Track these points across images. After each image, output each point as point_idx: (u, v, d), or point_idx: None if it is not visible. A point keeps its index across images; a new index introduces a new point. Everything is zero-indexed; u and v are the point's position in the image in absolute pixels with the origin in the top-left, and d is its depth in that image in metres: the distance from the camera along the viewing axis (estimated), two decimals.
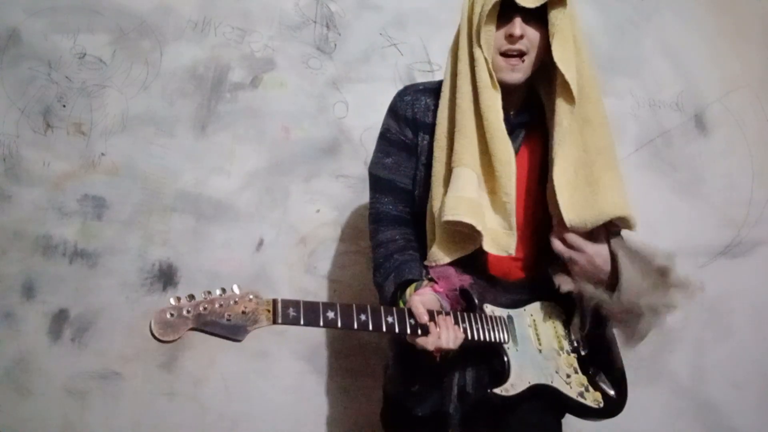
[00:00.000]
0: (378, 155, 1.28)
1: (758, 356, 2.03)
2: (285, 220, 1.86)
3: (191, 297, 0.91)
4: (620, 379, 1.27)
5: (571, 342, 1.24)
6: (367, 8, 1.91)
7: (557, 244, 1.15)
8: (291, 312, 0.97)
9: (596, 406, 1.20)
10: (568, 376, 1.20)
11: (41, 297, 1.78)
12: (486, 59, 1.10)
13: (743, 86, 2.05)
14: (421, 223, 1.22)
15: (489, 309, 1.15)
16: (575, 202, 1.13)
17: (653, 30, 2.01)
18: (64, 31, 1.78)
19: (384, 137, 1.28)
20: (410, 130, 1.24)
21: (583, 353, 1.25)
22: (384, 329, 1.02)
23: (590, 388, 1.21)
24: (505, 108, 1.15)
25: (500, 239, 1.13)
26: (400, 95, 1.28)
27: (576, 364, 1.23)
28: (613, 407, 1.23)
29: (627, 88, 2.00)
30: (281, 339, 1.84)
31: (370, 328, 1.01)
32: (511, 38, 1.09)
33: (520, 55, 1.11)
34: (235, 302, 0.94)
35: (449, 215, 1.08)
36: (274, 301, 0.97)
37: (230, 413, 1.85)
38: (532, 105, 1.22)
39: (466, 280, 1.13)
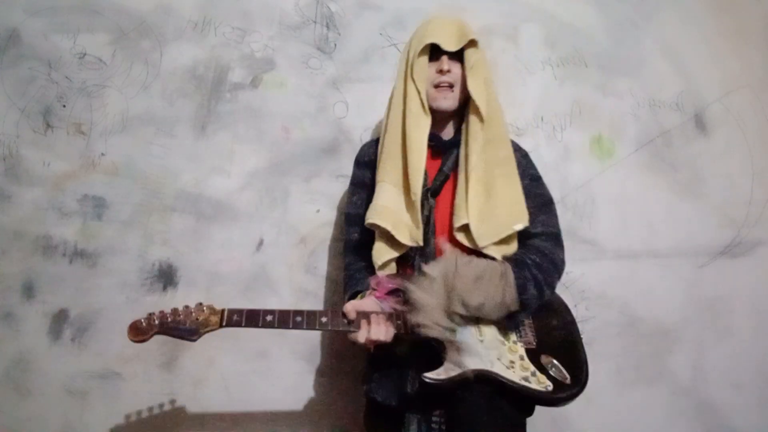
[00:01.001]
0: (348, 198, 1.53)
1: (758, 356, 2.03)
2: (285, 220, 1.86)
3: (162, 312, 1.23)
4: (577, 368, 1.32)
5: (518, 333, 1.35)
6: (367, 8, 1.91)
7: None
8: (235, 317, 1.23)
9: (542, 389, 1.26)
10: (512, 362, 1.29)
11: (41, 297, 1.78)
12: (418, 90, 1.36)
13: (743, 86, 2.05)
14: None
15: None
16: (478, 214, 1.34)
17: (653, 30, 2.01)
18: (64, 31, 1.79)
19: (351, 184, 1.54)
20: (369, 171, 1.48)
21: (532, 343, 1.34)
22: (318, 327, 1.26)
23: (537, 374, 1.28)
24: (441, 132, 1.43)
25: (412, 233, 1.34)
26: (362, 147, 1.56)
27: (522, 353, 1.31)
28: (566, 392, 1.27)
29: (627, 88, 2.00)
30: (281, 339, 1.84)
31: (305, 327, 1.24)
32: (441, 72, 1.36)
33: (450, 86, 1.37)
34: (192, 312, 1.23)
35: (368, 220, 1.34)
36: (223, 310, 1.24)
37: (230, 413, 1.85)
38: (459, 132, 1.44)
39: (396, 282, 1.29)
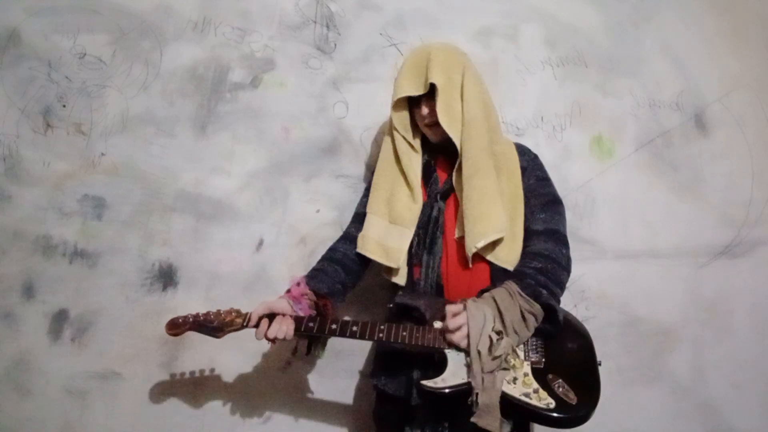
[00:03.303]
0: (362, 200, 1.64)
1: (758, 356, 2.03)
2: (285, 220, 1.86)
3: (197, 313, 1.42)
4: (587, 390, 1.31)
5: (525, 351, 1.34)
6: (367, 8, 1.91)
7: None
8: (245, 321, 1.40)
9: (543, 406, 1.24)
10: (515, 379, 1.28)
11: (41, 297, 1.78)
12: (403, 136, 1.51)
13: (743, 86, 2.05)
14: None
15: (438, 324, 1.34)
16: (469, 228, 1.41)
17: (653, 30, 2.01)
18: (64, 31, 1.79)
19: (367, 188, 1.64)
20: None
21: (540, 363, 1.33)
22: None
23: (540, 391, 1.27)
24: (444, 155, 1.52)
25: (391, 255, 1.47)
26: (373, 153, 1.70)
27: (528, 370, 1.31)
28: (571, 412, 1.25)
29: (627, 88, 1.99)
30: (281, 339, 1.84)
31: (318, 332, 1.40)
32: (423, 117, 1.48)
33: (434, 123, 1.46)
34: (222, 314, 1.41)
35: (358, 249, 1.51)
36: (248, 313, 1.41)
37: (230, 413, 1.85)
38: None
39: (305, 291, 1.43)
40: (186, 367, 1.83)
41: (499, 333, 1.25)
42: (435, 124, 1.46)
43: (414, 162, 1.52)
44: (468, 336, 1.26)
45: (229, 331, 1.39)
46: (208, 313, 1.40)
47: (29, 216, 1.77)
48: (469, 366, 1.27)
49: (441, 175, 1.53)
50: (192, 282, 1.83)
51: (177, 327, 1.38)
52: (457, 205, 1.46)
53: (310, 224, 1.87)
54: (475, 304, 1.29)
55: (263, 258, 1.85)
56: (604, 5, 2.00)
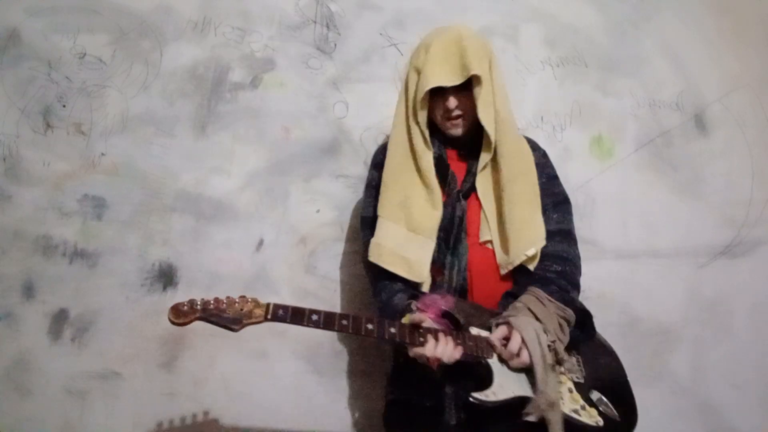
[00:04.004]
0: (367, 201, 1.50)
1: (758, 356, 2.03)
2: (285, 220, 1.86)
3: (203, 299, 1.17)
4: (627, 408, 1.30)
5: (566, 366, 1.30)
6: (367, 8, 1.91)
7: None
8: (280, 312, 1.16)
9: (593, 424, 1.22)
10: (560, 393, 1.23)
11: (41, 297, 1.78)
12: (421, 130, 1.36)
13: (743, 86, 2.05)
14: None
15: (474, 330, 1.25)
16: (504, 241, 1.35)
17: (653, 30, 2.01)
18: (64, 31, 1.78)
19: (369, 186, 1.51)
20: (378, 173, 1.46)
21: (580, 378, 1.30)
22: (363, 334, 1.18)
23: (587, 408, 1.24)
24: (460, 139, 1.41)
25: (413, 268, 1.34)
26: (377, 151, 1.54)
27: (571, 385, 1.27)
28: (617, 430, 1.24)
29: (627, 88, 2.00)
30: (281, 339, 1.84)
31: (350, 331, 1.17)
32: (448, 110, 1.35)
33: (459, 116, 1.36)
34: (237, 303, 1.17)
35: (371, 258, 1.37)
36: (269, 304, 1.17)
37: (230, 413, 1.85)
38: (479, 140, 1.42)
39: (449, 301, 1.25)
40: (186, 367, 1.83)
41: (552, 342, 1.21)
42: (458, 118, 1.36)
43: (428, 160, 1.38)
44: (530, 354, 1.19)
45: (249, 324, 1.17)
46: (217, 300, 1.18)
47: (29, 216, 1.77)
48: (517, 378, 1.21)
49: (457, 171, 1.41)
50: (192, 282, 1.82)
51: (184, 316, 1.16)
52: (479, 205, 1.39)
53: (310, 224, 1.87)
54: (519, 320, 1.22)
55: (263, 258, 1.85)
56: (604, 5, 2.00)
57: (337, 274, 1.89)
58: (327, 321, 1.16)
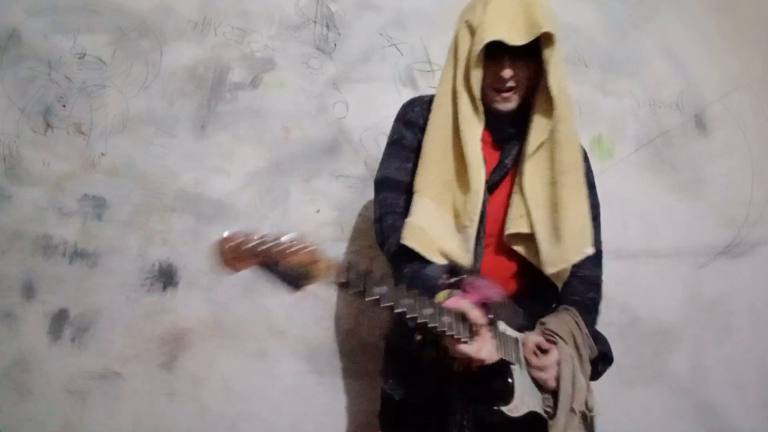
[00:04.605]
0: (391, 160, 1.27)
1: (758, 356, 2.03)
2: (285, 220, 1.86)
3: (262, 236, 0.84)
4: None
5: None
6: (367, 8, 1.91)
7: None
8: (352, 276, 0.91)
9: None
10: None
11: (41, 297, 1.78)
12: (474, 96, 1.15)
13: (743, 86, 2.05)
14: None
15: (502, 327, 1.10)
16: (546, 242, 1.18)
17: (653, 30, 2.01)
18: (64, 31, 1.78)
19: (397, 145, 1.28)
20: (410, 132, 1.28)
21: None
22: (436, 326, 0.95)
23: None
24: (497, 126, 1.22)
25: (458, 259, 1.16)
26: (411, 105, 1.31)
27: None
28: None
29: (627, 88, 1.99)
30: (281, 339, 1.84)
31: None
32: (503, 79, 1.15)
33: (511, 89, 1.17)
34: (294, 249, 0.86)
35: (408, 241, 1.14)
36: (337, 264, 0.90)
37: (230, 413, 1.85)
38: (522, 122, 1.24)
39: (498, 293, 1.07)
40: (186, 367, 1.82)
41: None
42: (510, 90, 1.17)
43: (474, 136, 1.16)
44: (557, 379, 1.08)
45: (312, 283, 0.87)
46: (278, 243, 0.85)
47: (29, 216, 1.77)
48: (531, 389, 1.11)
49: (488, 158, 1.21)
50: (192, 282, 1.82)
51: (242, 260, 0.84)
52: (508, 195, 1.22)
53: (310, 224, 1.87)
54: (567, 348, 1.10)
55: None
56: (604, 5, 2.00)
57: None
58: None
